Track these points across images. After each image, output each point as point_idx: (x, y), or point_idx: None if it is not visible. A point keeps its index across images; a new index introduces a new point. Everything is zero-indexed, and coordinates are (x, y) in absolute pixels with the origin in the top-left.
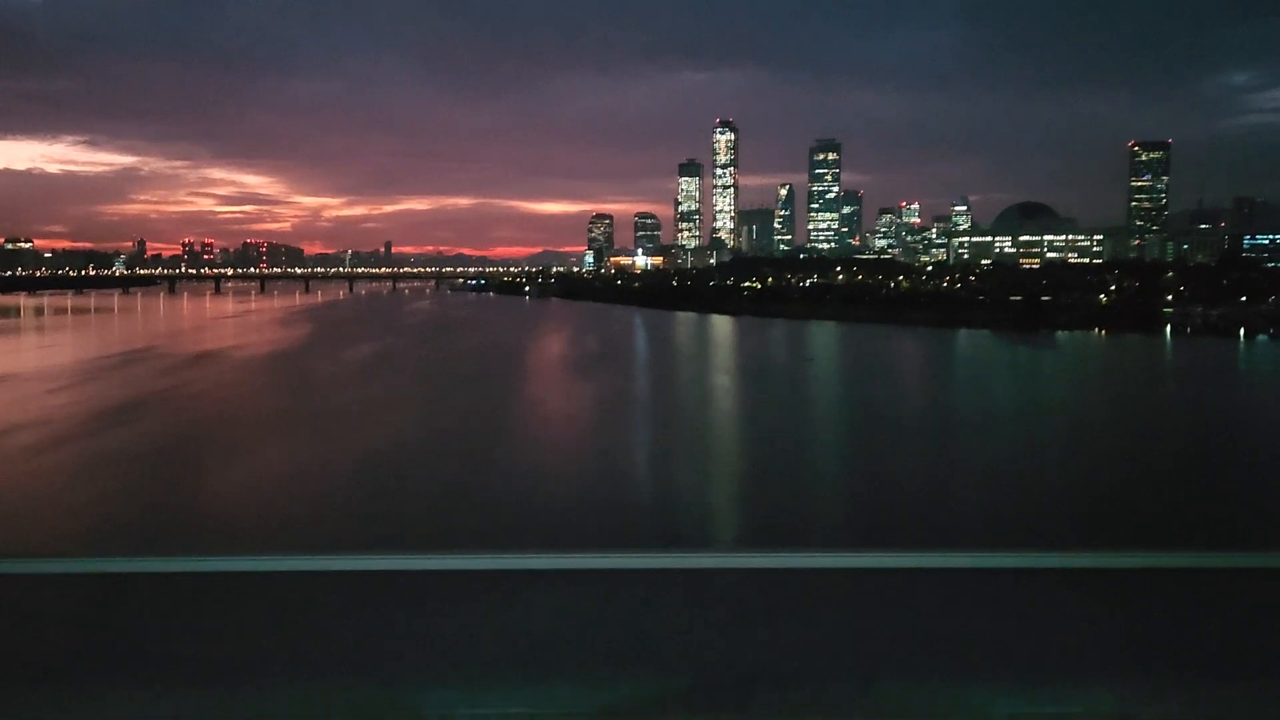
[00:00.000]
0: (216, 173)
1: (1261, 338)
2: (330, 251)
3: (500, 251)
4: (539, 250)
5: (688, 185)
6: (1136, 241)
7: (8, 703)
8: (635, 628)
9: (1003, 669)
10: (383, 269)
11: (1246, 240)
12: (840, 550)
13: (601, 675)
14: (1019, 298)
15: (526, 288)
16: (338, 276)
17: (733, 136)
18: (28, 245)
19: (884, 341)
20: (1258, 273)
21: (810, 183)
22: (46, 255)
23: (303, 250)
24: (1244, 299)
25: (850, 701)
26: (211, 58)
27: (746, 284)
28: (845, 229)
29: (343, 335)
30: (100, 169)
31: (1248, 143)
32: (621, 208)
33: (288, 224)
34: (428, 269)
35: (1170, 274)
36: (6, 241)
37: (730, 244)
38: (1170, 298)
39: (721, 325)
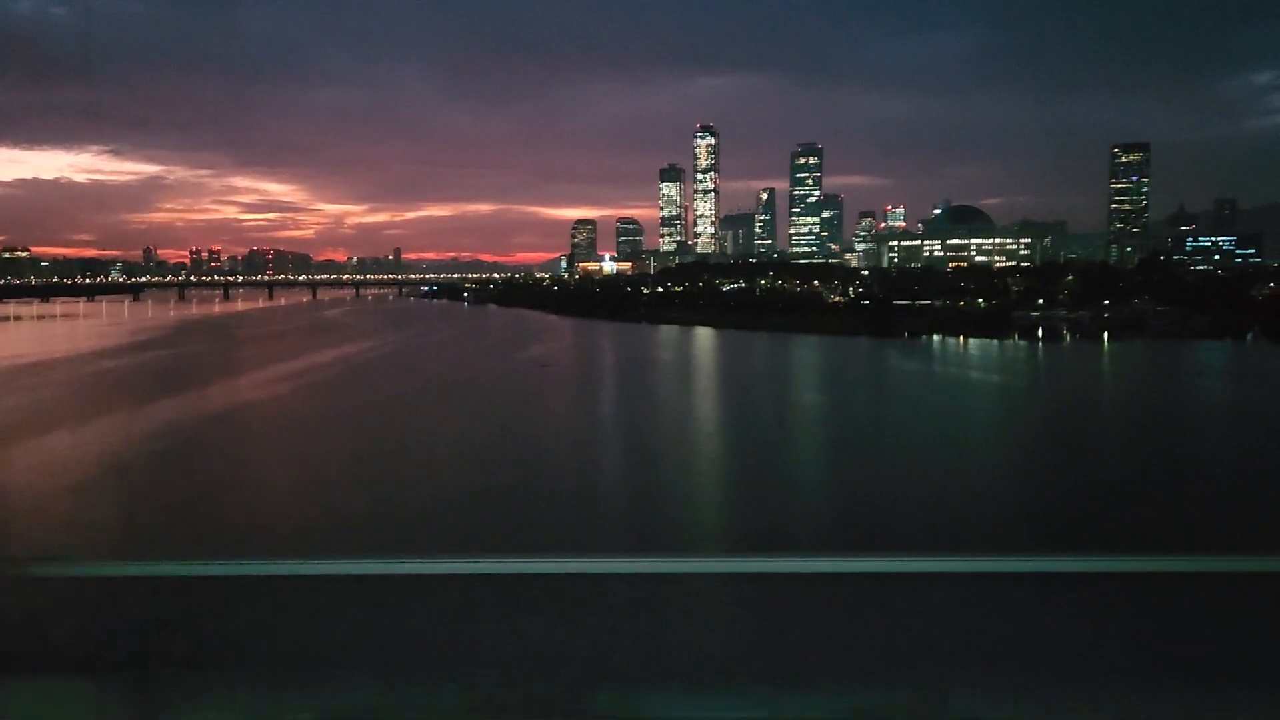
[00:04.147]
0: (240, 181)
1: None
2: (340, 259)
3: (521, 257)
4: (555, 255)
5: (668, 190)
6: (1129, 248)
7: (13, 701)
8: (631, 631)
9: (996, 673)
10: (392, 275)
11: (1189, 243)
12: (835, 555)
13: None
14: (867, 302)
15: (465, 294)
16: (304, 283)
17: (713, 141)
18: (24, 253)
19: (689, 345)
20: (1161, 275)
21: (791, 187)
22: (43, 263)
23: (310, 257)
24: (1105, 302)
25: (849, 704)
26: (233, 68)
27: (655, 290)
28: (826, 233)
29: (166, 342)
30: (126, 178)
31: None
32: (638, 212)
33: (311, 231)
34: (440, 275)
35: (1070, 277)
36: (3, 250)
37: (712, 249)
38: (1041, 301)
39: (571, 329)
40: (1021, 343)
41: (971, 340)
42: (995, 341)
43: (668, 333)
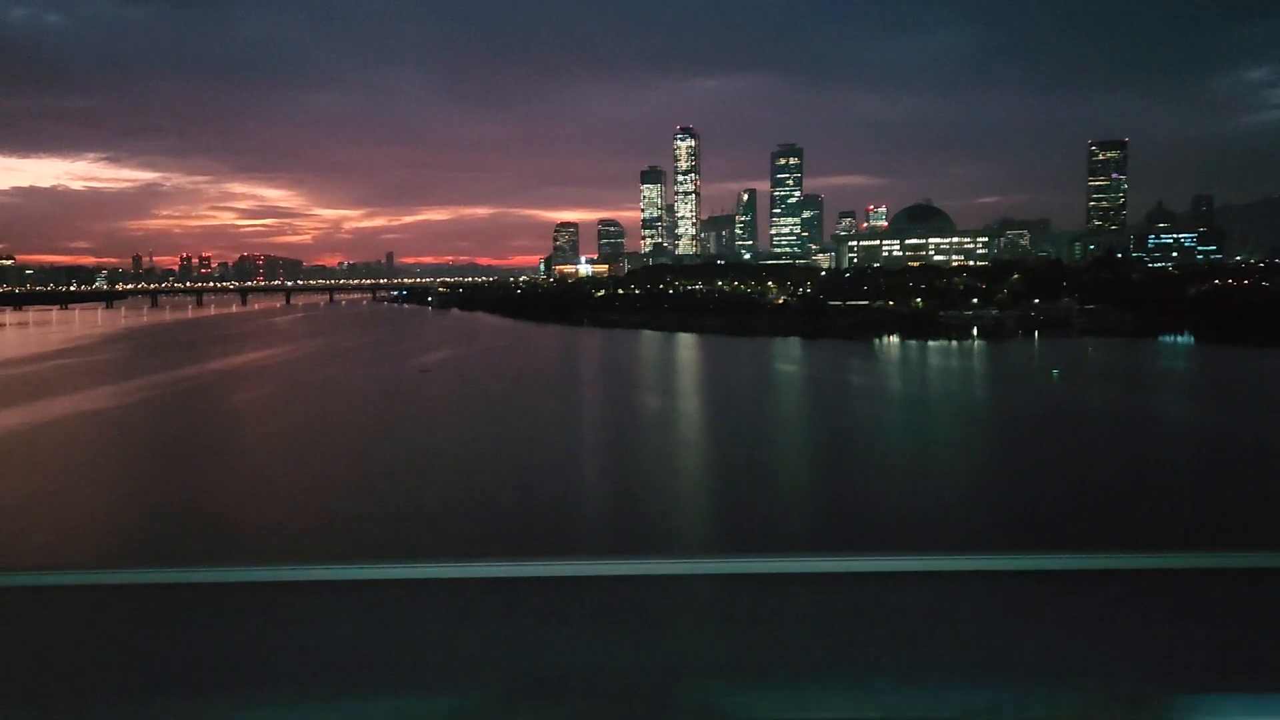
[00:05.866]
0: (237, 187)
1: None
2: (332, 264)
3: (517, 260)
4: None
5: (649, 192)
6: (1091, 245)
7: (12, 714)
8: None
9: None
10: (383, 280)
11: (1151, 240)
12: (830, 555)
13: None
14: (800, 304)
15: (429, 299)
16: (278, 289)
17: (693, 143)
18: (9, 261)
19: (593, 349)
20: (1109, 273)
21: (772, 188)
22: (28, 271)
23: (301, 262)
24: (1036, 300)
25: (839, 703)
26: (228, 74)
27: (616, 292)
28: (806, 233)
29: (85, 350)
30: (123, 185)
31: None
32: (628, 214)
33: (309, 236)
34: (434, 278)
35: (1016, 276)
36: None
37: (693, 250)
38: (975, 301)
39: (504, 332)
40: (937, 342)
41: (892, 340)
42: (914, 342)
43: (590, 336)
